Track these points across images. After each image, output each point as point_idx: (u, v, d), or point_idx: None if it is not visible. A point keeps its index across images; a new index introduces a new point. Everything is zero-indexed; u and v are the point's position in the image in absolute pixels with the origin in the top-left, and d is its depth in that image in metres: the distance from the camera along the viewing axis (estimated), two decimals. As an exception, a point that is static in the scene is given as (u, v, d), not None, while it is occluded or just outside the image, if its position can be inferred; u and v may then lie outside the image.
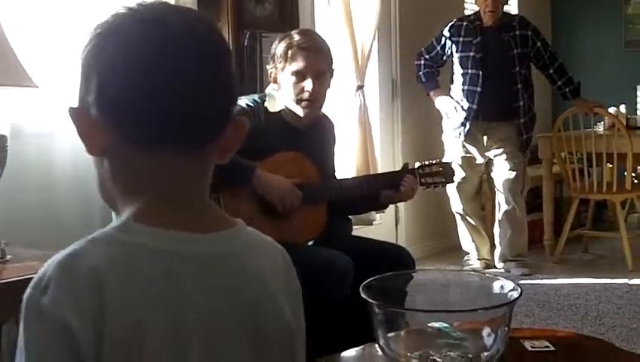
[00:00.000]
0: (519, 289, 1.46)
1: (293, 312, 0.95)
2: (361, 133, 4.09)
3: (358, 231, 3.86)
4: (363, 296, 1.44)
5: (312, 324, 2.12)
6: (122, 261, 0.80)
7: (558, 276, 4.20)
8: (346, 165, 4.02)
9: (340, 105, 4.04)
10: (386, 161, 4.45)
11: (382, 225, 4.33)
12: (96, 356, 0.77)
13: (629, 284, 4.00)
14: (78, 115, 0.86)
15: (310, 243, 2.34)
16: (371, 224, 4.18)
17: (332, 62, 2.41)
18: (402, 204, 3.89)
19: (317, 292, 2.09)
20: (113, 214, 2.57)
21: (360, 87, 4.10)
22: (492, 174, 4.29)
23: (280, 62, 2.33)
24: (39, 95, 2.48)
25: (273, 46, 2.38)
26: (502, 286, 1.52)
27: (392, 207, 4.34)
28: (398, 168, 4.44)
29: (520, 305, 3.61)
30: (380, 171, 4.14)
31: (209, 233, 0.87)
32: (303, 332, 0.99)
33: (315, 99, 2.35)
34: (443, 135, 4.32)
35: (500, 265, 4.28)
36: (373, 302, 1.42)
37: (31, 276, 0.83)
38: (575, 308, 3.61)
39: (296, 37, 2.33)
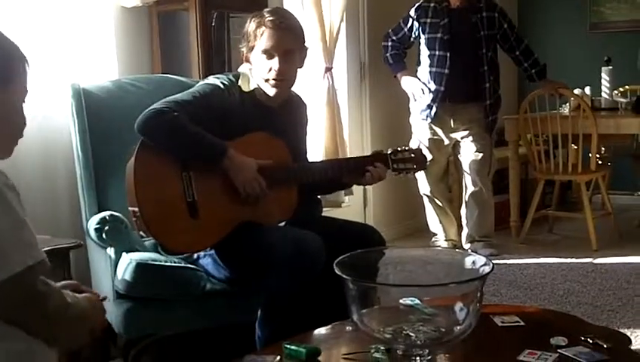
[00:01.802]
0: (491, 264, 1.49)
1: None
2: (329, 114, 4.09)
3: (327, 213, 3.86)
4: (337, 271, 1.45)
5: (284, 303, 2.14)
6: None
7: (524, 256, 4.27)
8: (315, 147, 4.01)
9: (308, 87, 4.03)
10: (355, 143, 4.46)
11: (350, 208, 4.34)
12: None
13: (593, 263, 4.08)
14: None
15: (281, 224, 2.33)
16: (340, 206, 4.18)
17: (304, 41, 2.39)
18: (371, 186, 3.91)
19: (288, 271, 2.10)
20: (80, 192, 2.53)
21: (328, 69, 4.09)
22: (459, 156, 4.32)
23: (250, 41, 2.33)
24: None
25: (246, 25, 2.37)
26: (473, 262, 1.55)
27: (360, 189, 4.36)
28: (366, 149, 4.49)
29: (487, 285, 3.62)
30: (348, 153, 4.15)
31: None
32: None
33: (283, 79, 2.33)
34: (410, 117, 4.33)
35: (467, 245, 4.33)
36: (348, 277, 1.42)
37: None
38: (541, 287, 3.67)
39: (267, 15, 2.32)
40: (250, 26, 2.33)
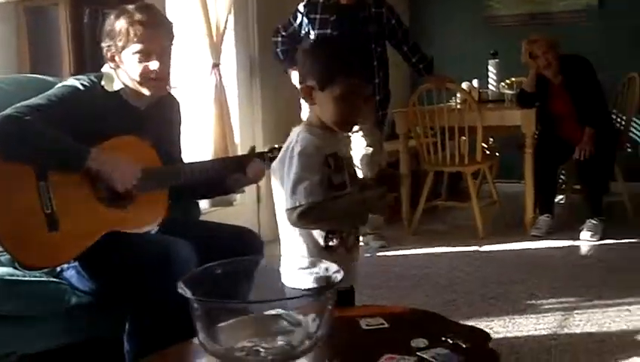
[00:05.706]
0: (342, 273, 1.47)
1: None
2: (218, 112, 4.02)
3: (219, 212, 3.81)
4: (180, 291, 1.40)
5: (153, 314, 2.07)
6: None
7: (415, 247, 4.35)
8: (202, 148, 3.94)
9: (194, 84, 3.95)
10: (246, 143, 4.38)
11: (243, 205, 4.30)
12: None
13: (479, 251, 4.21)
14: None
15: (153, 231, 2.27)
16: (232, 204, 4.14)
17: (174, 37, 2.33)
18: (263, 182, 3.88)
19: (156, 280, 2.03)
20: None
21: (216, 65, 4.01)
22: (350, 151, 4.34)
23: (120, 41, 2.22)
24: None
25: (109, 22, 2.26)
26: (326, 269, 1.53)
27: (253, 186, 4.31)
28: (259, 148, 4.42)
29: (377, 277, 3.71)
30: (239, 152, 4.10)
31: None
32: None
33: (163, 78, 2.27)
34: (302, 112, 4.31)
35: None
36: (192, 297, 1.38)
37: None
38: (428, 278, 3.74)
39: (137, 13, 2.22)
40: (118, 24, 2.21)
